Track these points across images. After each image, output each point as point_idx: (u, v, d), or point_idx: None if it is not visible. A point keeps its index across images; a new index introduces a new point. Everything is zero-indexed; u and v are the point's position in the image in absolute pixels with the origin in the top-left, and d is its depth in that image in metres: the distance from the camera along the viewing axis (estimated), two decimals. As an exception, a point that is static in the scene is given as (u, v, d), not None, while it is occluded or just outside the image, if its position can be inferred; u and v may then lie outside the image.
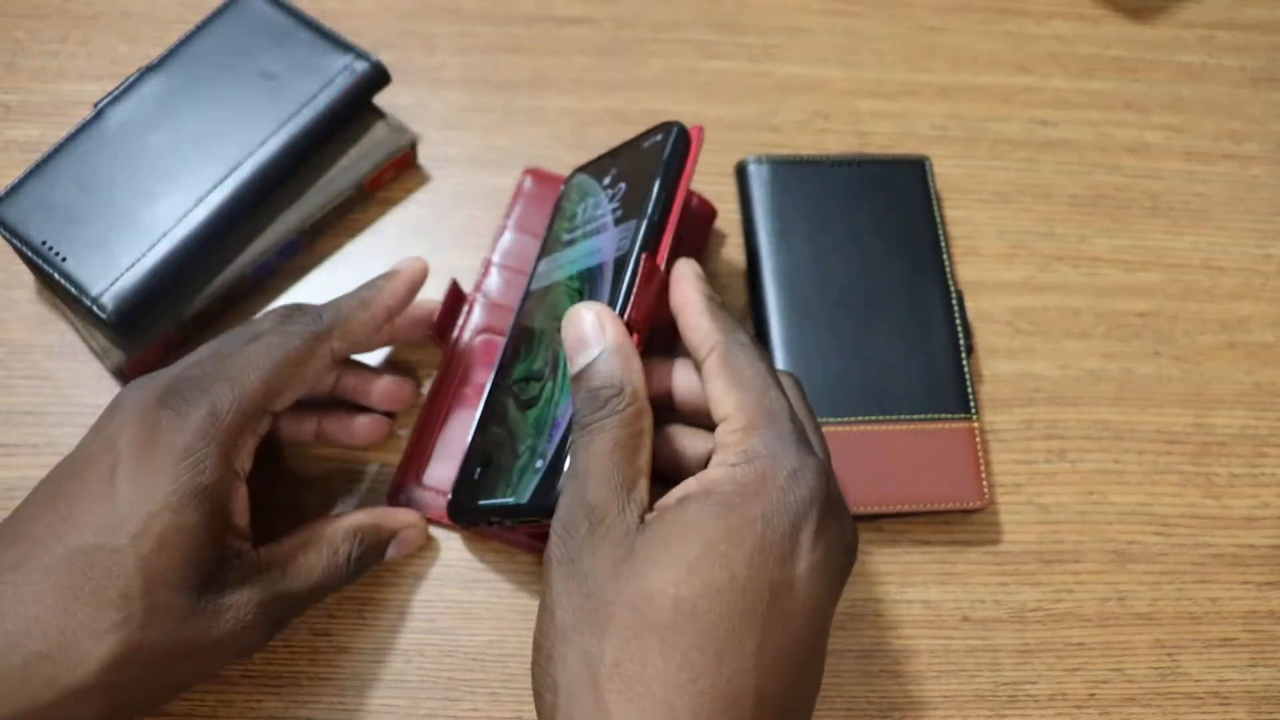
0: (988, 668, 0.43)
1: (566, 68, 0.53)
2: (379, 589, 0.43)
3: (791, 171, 0.49)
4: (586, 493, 0.32)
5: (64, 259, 0.43)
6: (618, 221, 0.40)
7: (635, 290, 0.36)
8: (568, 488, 0.33)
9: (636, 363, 0.34)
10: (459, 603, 0.43)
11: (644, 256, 0.37)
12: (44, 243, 0.44)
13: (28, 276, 0.47)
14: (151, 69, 0.47)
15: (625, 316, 0.36)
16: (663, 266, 0.38)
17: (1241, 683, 0.43)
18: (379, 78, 0.48)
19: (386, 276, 0.41)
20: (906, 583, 0.44)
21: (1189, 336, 0.50)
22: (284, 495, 0.44)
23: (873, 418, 0.45)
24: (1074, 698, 0.43)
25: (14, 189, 0.44)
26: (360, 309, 0.39)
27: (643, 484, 0.32)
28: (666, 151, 0.40)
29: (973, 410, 0.45)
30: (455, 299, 0.46)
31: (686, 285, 0.36)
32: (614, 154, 0.44)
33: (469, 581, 0.43)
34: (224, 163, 0.46)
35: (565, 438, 0.35)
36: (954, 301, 0.47)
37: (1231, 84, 0.56)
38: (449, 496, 0.41)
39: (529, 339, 0.41)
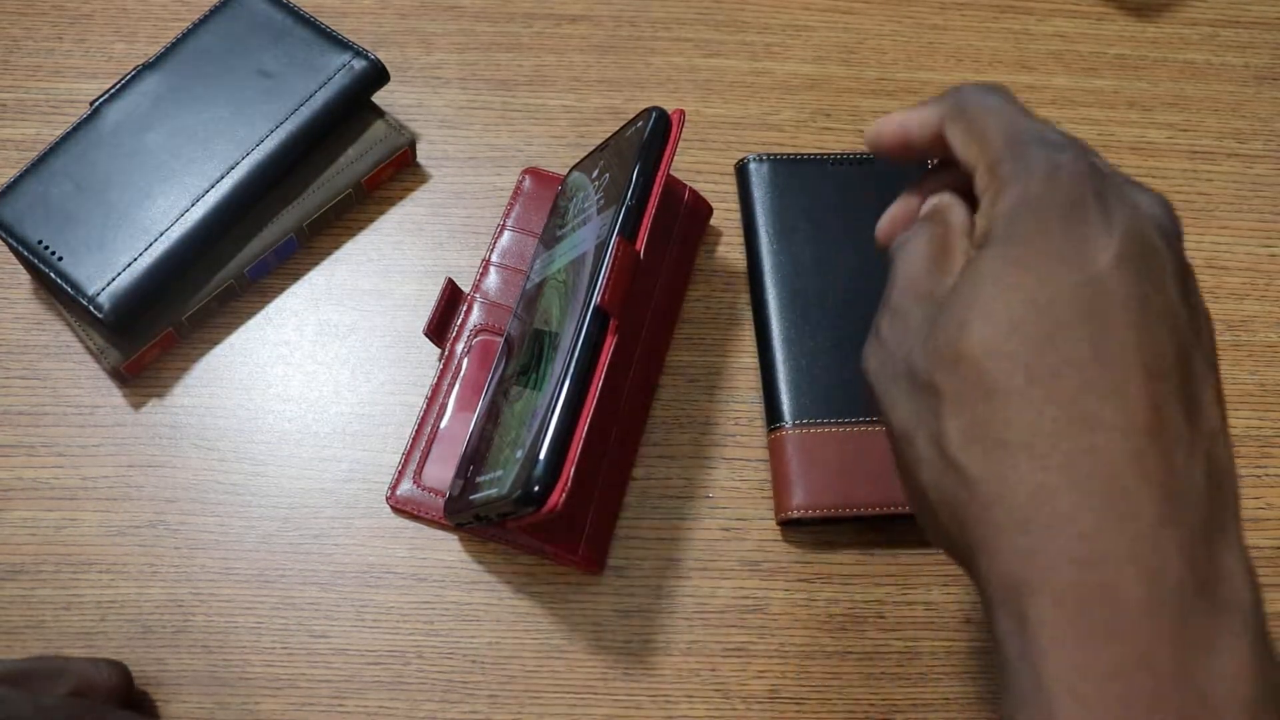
0: (990, 669, 0.43)
1: (566, 66, 0.53)
2: (377, 591, 0.43)
3: (792, 170, 0.49)
4: (900, 282, 0.32)
5: (60, 258, 0.43)
6: (600, 210, 0.40)
7: (610, 273, 0.36)
8: (891, 286, 0.32)
9: (961, 209, 0.32)
10: (458, 604, 0.43)
11: (618, 240, 0.37)
12: (40, 242, 0.43)
13: (23, 276, 0.47)
14: (148, 67, 0.47)
15: (600, 299, 0.36)
16: (641, 250, 0.37)
17: (1245, 685, 0.43)
18: (378, 76, 0.48)
19: None
20: (908, 585, 0.44)
21: (1192, 336, 0.49)
22: (283, 497, 0.44)
23: (873, 418, 0.44)
24: (1077, 700, 0.43)
25: (10, 188, 0.44)
26: None
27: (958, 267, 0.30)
28: (644, 137, 0.40)
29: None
30: (451, 298, 0.46)
31: (881, 126, 0.35)
32: (603, 147, 0.44)
33: (468, 583, 0.43)
34: (221, 161, 0.45)
35: (542, 426, 0.35)
36: (956, 301, 0.47)
37: (1235, 82, 0.55)
38: (447, 497, 0.41)
39: (523, 336, 0.41)
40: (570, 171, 0.47)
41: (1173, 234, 0.28)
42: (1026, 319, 0.27)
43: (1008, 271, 0.27)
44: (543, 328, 0.40)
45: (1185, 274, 0.28)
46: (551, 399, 0.35)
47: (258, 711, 0.40)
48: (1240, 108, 0.55)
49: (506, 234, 0.48)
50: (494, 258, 0.47)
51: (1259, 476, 0.47)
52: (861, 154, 0.50)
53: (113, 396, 0.45)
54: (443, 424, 0.44)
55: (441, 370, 0.45)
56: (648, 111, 0.41)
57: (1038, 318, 0.27)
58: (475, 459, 0.40)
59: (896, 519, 0.44)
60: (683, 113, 0.40)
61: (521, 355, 0.40)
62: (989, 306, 0.27)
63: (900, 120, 0.35)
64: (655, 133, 0.40)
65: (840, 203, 0.48)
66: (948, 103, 0.33)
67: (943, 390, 0.27)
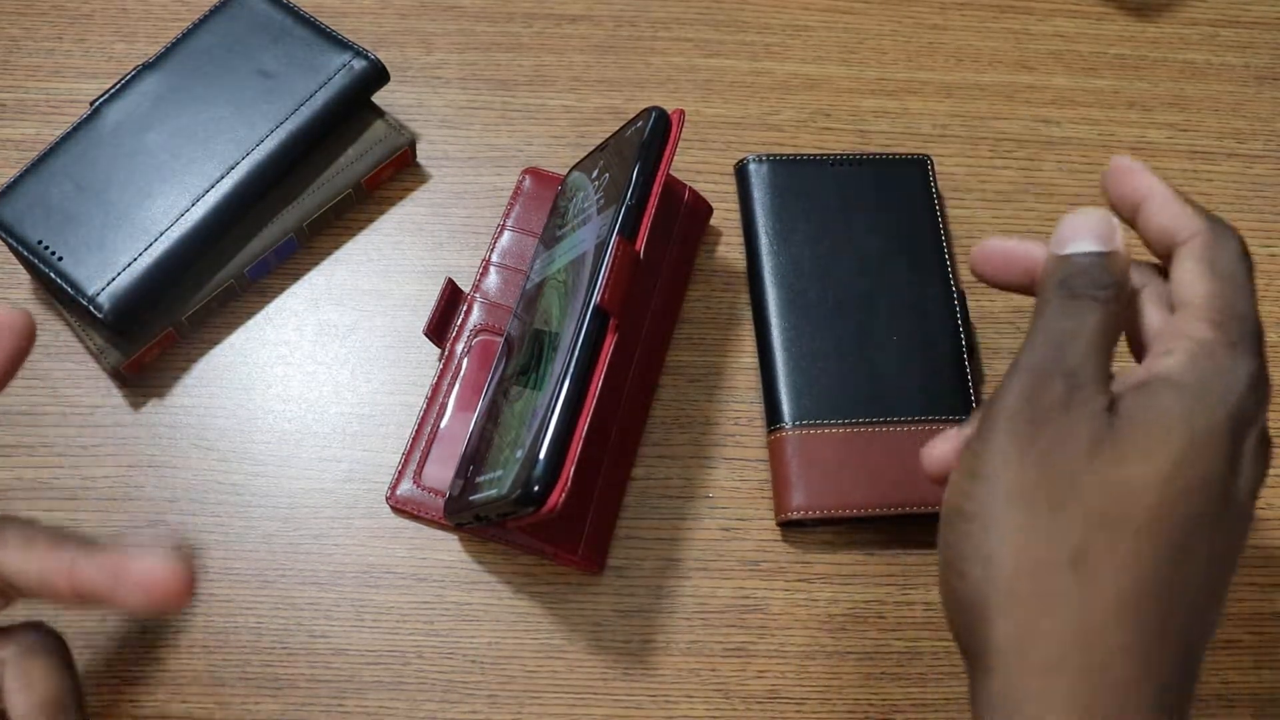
0: (990, 670, 0.43)
1: (566, 66, 0.53)
2: (377, 591, 0.43)
3: (792, 170, 0.49)
4: (1070, 358, 0.29)
5: (60, 258, 0.43)
6: (600, 210, 0.40)
7: (610, 273, 0.36)
8: (1041, 345, 0.30)
9: (1128, 282, 0.31)
10: (458, 605, 0.43)
11: (618, 239, 0.37)
12: (40, 242, 0.43)
13: (23, 276, 0.47)
14: (148, 67, 0.47)
15: (599, 299, 0.36)
16: (640, 250, 0.37)
17: (1245, 685, 0.43)
18: (378, 76, 0.48)
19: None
20: (908, 585, 0.44)
21: (1192, 336, 0.49)
22: (283, 497, 0.44)
23: (874, 419, 0.44)
24: (1077, 700, 0.43)
25: (10, 188, 0.44)
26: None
27: (1109, 375, 0.30)
28: (644, 136, 0.39)
29: (975, 410, 0.45)
30: (451, 298, 0.46)
31: (1142, 174, 0.33)
32: (602, 147, 0.44)
33: (468, 583, 0.43)
34: (221, 161, 0.45)
35: (542, 426, 0.35)
36: (956, 301, 0.47)
37: (1235, 82, 0.55)
38: (447, 497, 0.41)
39: (523, 336, 0.41)
40: (570, 171, 0.47)
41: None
42: (1188, 494, 0.28)
43: (1193, 437, 0.28)
44: (543, 328, 0.40)
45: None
46: (551, 399, 0.35)
47: (258, 711, 0.40)
48: (1240, 108, 0.55)
49: (506, 234, 0.48)
50: (494, 258, 0.47)
51: (1259, 476, 0.47)
52: (861, 154, 0.50)
53: (113, 396, 0.45)
54: (443, 424, 0.44)
55: (441, 370, 0.45)
56: (647, 111, 0.41)
57: (1195, 497, 0.28)
58: (475, 459, 0.40)
59: (896, 519, 0.44)
60: (682, 112, 0.40)
61: (521, 355, 0.40)
62: (1165, 461, 0.28)
63: (1153, 187, 0.33)
64: (655, 132, 0.40)
65: (840, 203, 0.48)
66: (1208, 225, 0.31)
67: (1085, 512, 0.28)
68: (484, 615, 0.42)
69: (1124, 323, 0.32)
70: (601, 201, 0.40)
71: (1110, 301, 0.30)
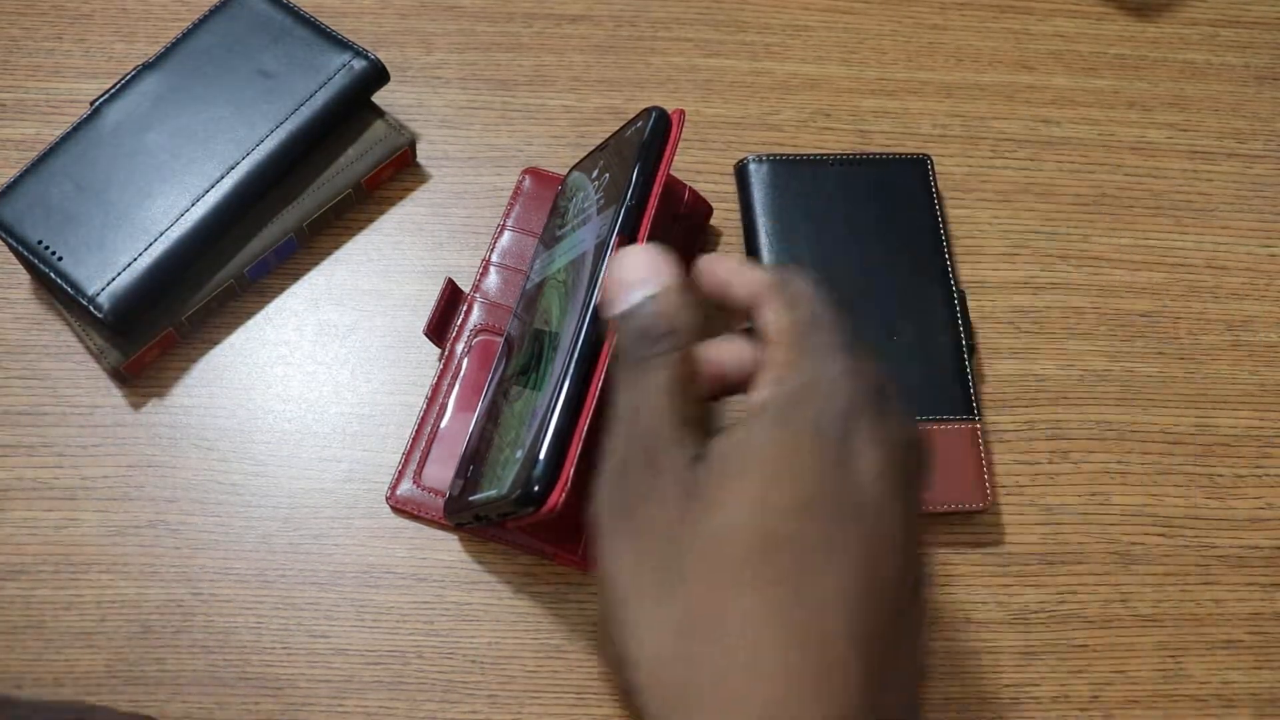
0: (990, 670, 0.43)
1: (566, 66, 0.53)
2: (377, 591, 0.43)
3: (792, 170, 0.49)
4: (643, 426, 0.29)
5: (60, 258, 0.43)
6: (600, 210, 0.40)
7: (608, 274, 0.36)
8: (617, 428, 0.29)
9: (694, 309, 0.31)
10: (458, 605, 0.42)
11: (618, 239, 0.37)
12: (40, 242, 0.43)
13: (23, 276, 0.47)
14: (148, 67, 0.47)
15: (599, 299, 0.36)
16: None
17: (1245, 685, 0.43)
18: (378, 76, 0.48)
19: None
20: (908, 584, 0.44)
21: (1192, 336, 0.49)
22: (283, 497, 0.44)
23: (874, 418, 0.44)
24: (1077, 700, 0.43)
25: (10, 188, 0.44)
26: None
27: (699, 422, 0.29)
28: (645, 136, 0.39)
29: (975, 411, 0.45)
30: (451, 298, 0.46)
31: (718, 263, 0.33)
32: (602, 147, 0.44)
33: (468, 583, 0.43)
34: (221, 161, 0.45)
35: (542, 426, 0.34)
36: (956, 301, 0.47)
37: (1235, 82, 0.55)
38: (446, 497, 0.41)
39: (523, 336, 0.41)
40: (570, 171, 0.47)
41: (920, 470, 0.29)
42: (783, 513, 0.26)
43: (780, 456, 0.27)
44: (542, 328, 0.40)
45: (918, 523, 0.28)
46: (551, 399, 0.35)
47: (258, 711, 0.40)
48: (1240, 108, 0.55)
49: (506, 234, 0.48)
50: (494, 258, 0.47)
51: (1259, 476, 0.47)
52: (861, 154, 0.50)
53: (113, 396, 0.45)
54: (443, 424, 0.44)
55: (441, 370, 0.45)
56: (647, 111, 0.41)
57: (794, 514, 0.26)
58: (475, 459, 0.40)
59: (896, 519, 0.44)
60: (682, 112, 0.40)
61: (521, 355, 0.40)
62: (749, 489, 0.27)
63: (730, 270, 0.33)
64: (655, 132, 0.39)
65: (840, 203, 0.48)
66: (775, 276, 0.32)
67: (686, 562, 0.27)
68: (484, 615, 0.42)
69: (701, 360, 0.31)
70: (601, 201, 0.40)
71: (670, 352, 0.29)
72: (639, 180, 0.38)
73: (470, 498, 0.38)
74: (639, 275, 0.31)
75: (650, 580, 0.27)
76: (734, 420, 0.29)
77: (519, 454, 0.35)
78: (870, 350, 0.31)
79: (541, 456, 0.34)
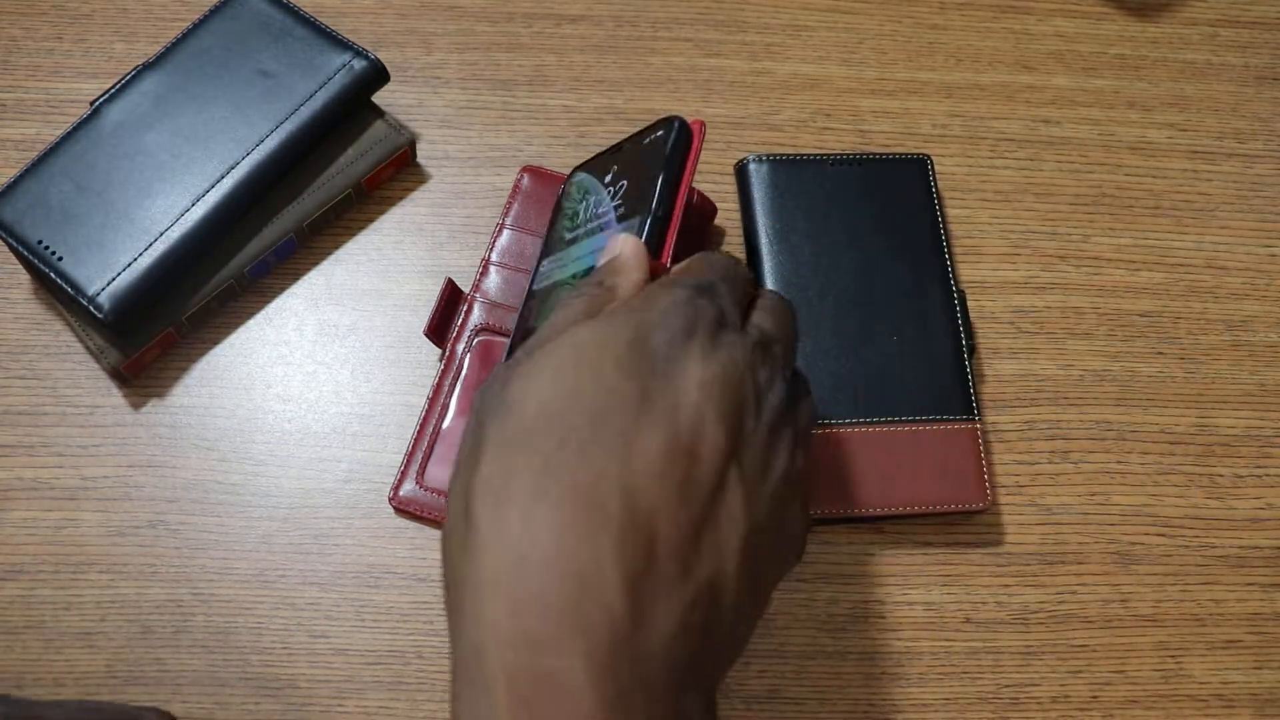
0: (990, 670, 0.43)
1: (566, 66, 0.53)
2: (377, 591, 0.43)
3: (792, 170, 0.49)
4: (544, 330, 0.31)
5: (60, 258, 0.43)
6: (621, 218, 0.40)
7: None
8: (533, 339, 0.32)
9: (641, 274, 0.33)
10: (458, 604, 0.42)
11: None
12: (40, 242, 0.43)
13: (23, 276, 0.47)
14: (148, 67, 0.47)
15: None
16: (668, 264, 0.37)
17: (1245, 685, 0.43)
18: (378, 76, 0.48)
19: None
20: (908, 585, 0.44)
21: (1192, 336, 0.49)
22: (283, 497, 0.44)
23: (874, 419, 0.44)
24: (1077, 700, 0.43)
25: (10, 188, 0.44)
26: None
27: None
28: (668, 147, 0.39)
29: (975, 411, 0.45)
30: (451, 298, 0.46)
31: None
32: (615, 151, 0.44)
33: (468, 583, 0.43)
34: (221, 161, 0.45)
35: None
36: (956, 301, 0.47)
37: (1235, 82, 0.55)
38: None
39: (522, 341, 0.41)
40: (575, 172, 0.47)
41: (758, 395, 0.30)
42: (586, 393, 0.28)
43: (589, 346, 0.29)
44: None
45: (758, 455, 0.29)
46: None
47: (258, 711, 0.40)
48: (1240, 108, 0.55)
49: (506, 233, 0.48)
50: (494, 257, 0.47)
51: (1259, 476, 0.47)
52: (861, 154, 0.50)
53: (113, 396, 0.45)
54: (445, 424, 0.44)
55: (443, 371, 0.45)
56: (669, 121, 0.41)
57: (596, 395, 0.28)
58: None
59: (896, 519, 0.44)
60: (703, 124, 0.40)
61: None
62: (561, 368, 0.28)
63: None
64: (678, 144, 0.39)
65: (840, 203, 0.48)
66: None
67: (487, 430, 0.28)
68: (484, 615, 0.42)
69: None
70: (621, 210, 0.40)
71: (603, 288, 0.33)
72: (664, 191, 0.38)
73: None
74: (613, 247, 0.35)
75: (466, 453, 0.29)
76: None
77: None
78: (775, 324, 0.33)
79: None
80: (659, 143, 0.40)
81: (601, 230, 0.41)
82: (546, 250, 0.45)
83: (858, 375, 0.45)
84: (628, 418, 0.28)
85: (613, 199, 0.41)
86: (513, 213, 0.48)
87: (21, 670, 0.41)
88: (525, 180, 0.49)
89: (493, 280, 0.47)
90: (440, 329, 0.45)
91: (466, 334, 0.46)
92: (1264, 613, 0.44)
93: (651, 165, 0.40)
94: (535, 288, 0.43)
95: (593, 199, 0.43)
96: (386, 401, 0.46)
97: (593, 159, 0.46)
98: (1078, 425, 0.47)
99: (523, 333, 0.42)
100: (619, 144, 0.44)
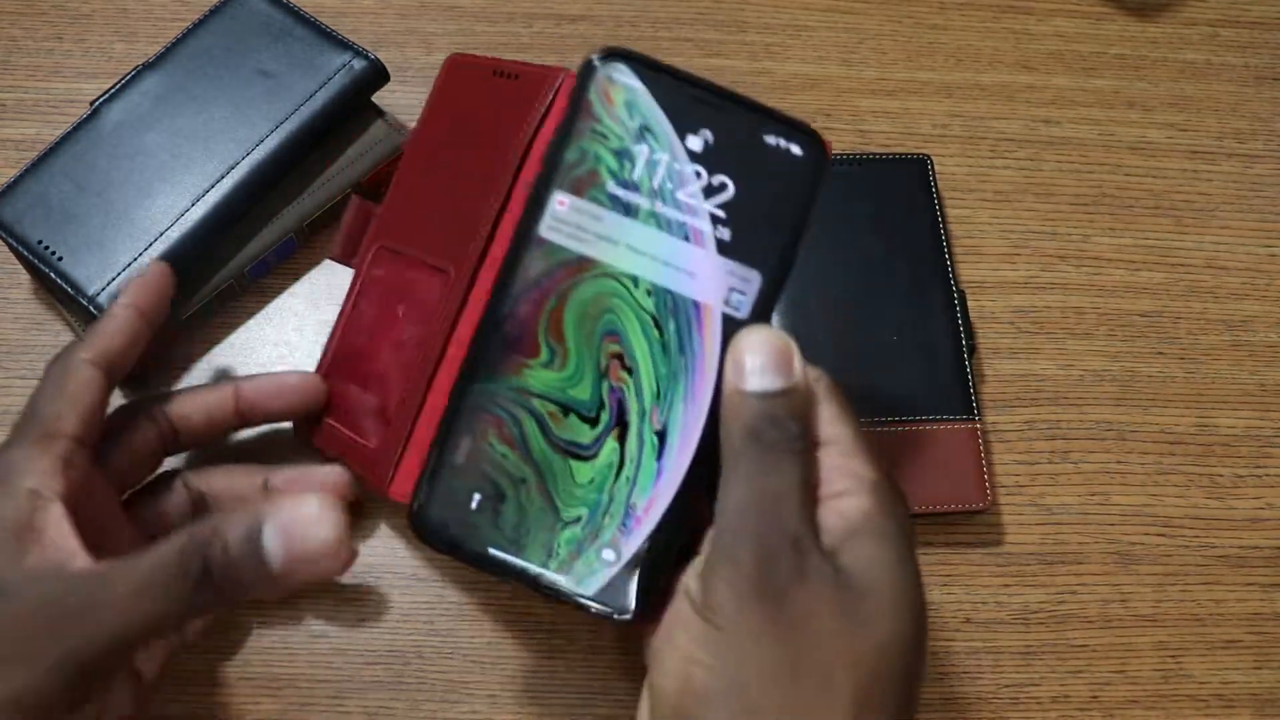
0: (990, 670, 0.43)
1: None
2: (377, 590, 0.43)
3: (792, 170, 0.49)
4: (789, 522, 0.29)
5: (60, 258, 0.43)
6: (726, 250, 0.31)
7: None
8: (756, 508, 0.29)
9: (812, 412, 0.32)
10: (458, 604, 0.42)
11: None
12: (40, 242, 0.43)
13: (23, 276, 0.47)
14: (148, 67, 0.47)
15: (727, 372, 0.31)
16: None
17: (1246, 685, 0.43)
18: (378, 76, 0.48)
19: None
20: (908, 584, 0.44)
21: (1192, 336, 0.49)
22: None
23: (874, 419, 0.44)
24: (1077, 700, 0.43)
25: (10, 188, 0.44)
26: (108, 317, 0.37)
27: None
28: (815, 184, 0.32)
29: (975, 411, 0.45)
30: (361, 216, 0.42)
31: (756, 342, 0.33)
32: (704, 97, 0.32)
33: (468, 583, 0.43)
34: (221, 161, 0.45)
35: (653, 541, 0.31)
36: (956, 301, 0.47)
37: (1235, 82, 0.55)
38: (414, 502, 0.32)
39: (554, 334, 0.31)
40: (615, 62, 0.31)
41: None
42: (912, 642, 0.29)
43: (898, 580, 0.29)
44: (617, 376, 0.32)
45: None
46: (659, 504, 0.31)
47: (257, 711, 0.40)
48: (1240, 108, 0.55)
49: (425, 126, 0.42)
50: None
51: (1259, 476, 0.47)
52: (861, 154, 0.50)
53: (113, 396, 0.45)
54: (362, 359, 0.40)
55: (358, 290, 0.42)
56: (807, 134, 0.32)
57: (919, 639, 0.30)
58: (479, 483, 0.32)
59: (896, 519, 0.44)
60: (829, 147, 0.32)
61: (570, 374, 0.32)
62: (895, 616, 0.29)
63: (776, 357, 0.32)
64: (820, 180, 0.32)
65: (840, 203, 0.48)
66: (821, 376, 0.33)
67: (841, 685, 0.28)
68: (484, 615, 0.42)
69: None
70: (730, 239, 0.32)
71: (805, 451, 0.30)
72: (790, 243, 0.32)
73: (493, 551, 0.31)
74: (781, 362, 0.31)
75: (806, 672, 0.28)
76: (839, 526, 0.30)
77: (609, 555, 0.31)
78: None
79: (651, 583, 0.31)
80: (793, 165, 0.32)
81: (688, 239, 0.31)
82: (554, 177, 0.31)
83: (857, 375, 0.45)
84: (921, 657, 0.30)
85: (707, 196, 0.31)
86: (432, 104, 0.42)
87: (21, 670, 0.41)
88: (450, 75, 0.42)
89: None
90: (350, 248, 0.42)
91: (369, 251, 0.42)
92: (1264, 613, 0.44)
93: (780, 197, 0.32)
94: (545, 235, 0.31)
95: (661, 155, 0.31)
96: (386, 401, 0.46)
97: (658, 68, 0.32)
98: (1078, 425, 0.47)
99: (533, 312, 0.32)
100: (712, 89, 0.32)
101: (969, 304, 0.49)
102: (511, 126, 0.37)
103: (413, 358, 0.38)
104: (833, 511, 0.30)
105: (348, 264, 0.42)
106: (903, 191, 0.49)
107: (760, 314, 0.31)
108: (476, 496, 0.31)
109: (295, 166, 0.47)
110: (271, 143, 0.46)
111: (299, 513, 0.31)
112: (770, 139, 0.32)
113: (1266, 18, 0.57)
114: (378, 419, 0.39)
